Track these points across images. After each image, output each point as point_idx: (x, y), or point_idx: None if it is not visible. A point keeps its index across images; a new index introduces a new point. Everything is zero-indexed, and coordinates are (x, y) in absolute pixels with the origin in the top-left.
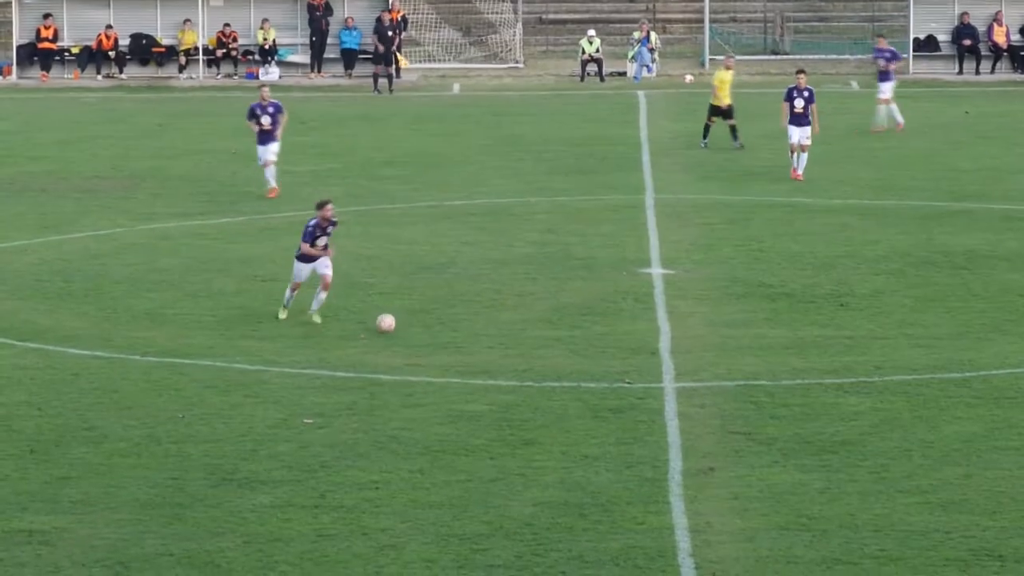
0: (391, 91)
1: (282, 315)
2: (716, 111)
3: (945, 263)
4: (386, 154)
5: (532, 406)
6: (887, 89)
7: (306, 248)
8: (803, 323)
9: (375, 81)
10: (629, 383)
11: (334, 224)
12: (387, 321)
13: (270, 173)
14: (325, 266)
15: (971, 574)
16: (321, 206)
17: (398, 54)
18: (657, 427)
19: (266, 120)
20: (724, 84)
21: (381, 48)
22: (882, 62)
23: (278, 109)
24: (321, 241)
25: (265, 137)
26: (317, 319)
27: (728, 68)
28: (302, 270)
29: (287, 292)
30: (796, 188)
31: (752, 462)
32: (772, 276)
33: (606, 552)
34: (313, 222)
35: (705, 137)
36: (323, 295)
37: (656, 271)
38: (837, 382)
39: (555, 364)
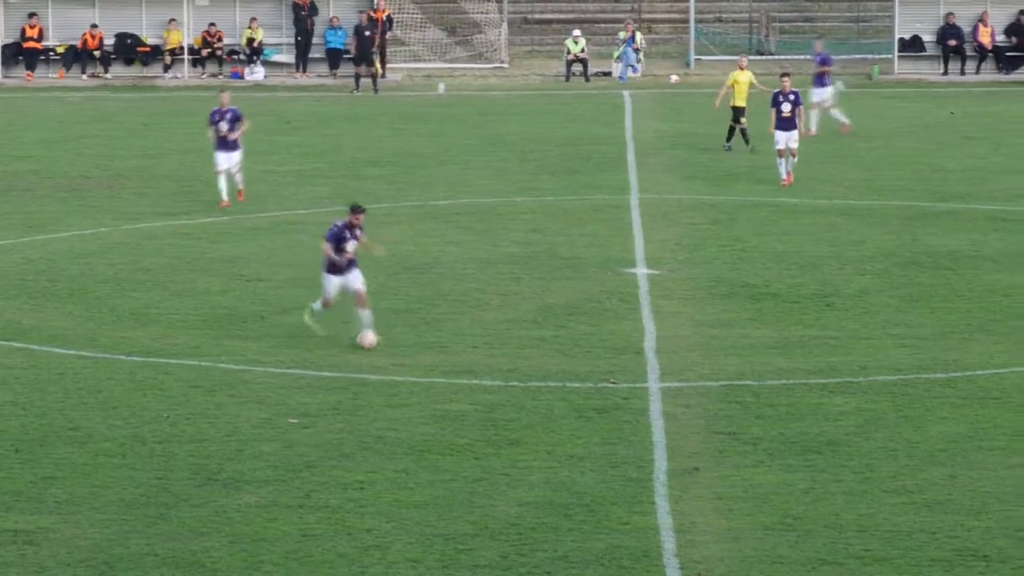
0: (376, 91)
1: (310, 322)
2: (740, 111)
3: (930, 263)
4: (371, 154)
5: (517, 406)
6: (828, 95)
7: (327, 249)
8: (788, 323)
9: (356, 81)
10: (614, 383)
11: (363, 230)
12: (369, 338)
13: (237, 179)
14: (357, 281)
15: (956, 574)
16: (355, 211)
17: (374, 57)
18: (642, 427)
19: (224, 127)
20: (740, 84)
21: (354, 49)
22: (815, 66)
23: (236, 116)
24: (350, 246)
25: (223, 144)
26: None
27: (742, 68)
28: (331, 283)
29: (317, 304)
30: (781, 188)
31: (737, 462)
32: (757, 276)
33: (591, 552)
34: (341, 223)
35: (747, 141)
36: (365, 313)
37: (641, 271)
38: (822, 382)
39: (540, 364)
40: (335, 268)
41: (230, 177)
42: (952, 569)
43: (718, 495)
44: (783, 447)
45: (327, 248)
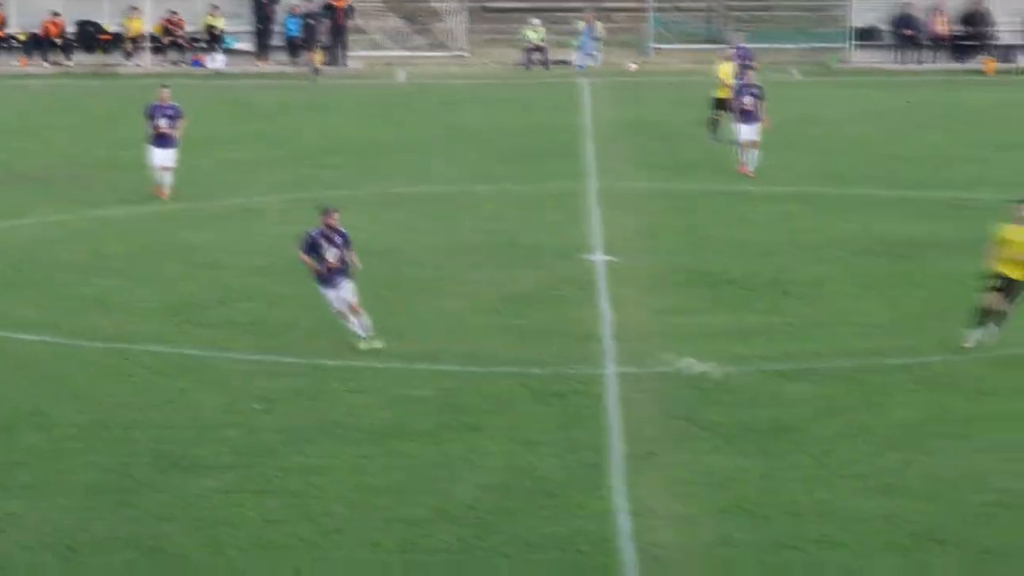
0: (313, 80)
1: (362, 345)
2: (722, 104)
3: (886, 251)
4: (331, 142)
5: (476, 392)
6: None
7: (303, 258)
8: (745, 310)
9: (310, 68)
10: (573, 370)
11: (342, 235)
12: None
13: (167, 177)
14: (349, 291)
15: (911, 559)
16: (324, 213)
17: (317, 46)
18: (600, 412)
19: (164, 122)
20: (728, 76)
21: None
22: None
23: (177, 113)
24: (331, 254)
25: (161, 140)
26: (378, 344)
27: (728, 59)
28: (327, 295)
29: (344, 323)
30: (738, 177)
31: (694, 447)
32: (715, 264)
33: (549, 536)
34: (315, 231)
35: (714, 133)
36: (363, 319)
37: (600, 258)
38: (779, 368)
39: (499, 350)
40: (324, 279)
41: (164, 172)
42: (908, 554)
43: (675, 480)
44: (740, 433)
45: (303, 257)
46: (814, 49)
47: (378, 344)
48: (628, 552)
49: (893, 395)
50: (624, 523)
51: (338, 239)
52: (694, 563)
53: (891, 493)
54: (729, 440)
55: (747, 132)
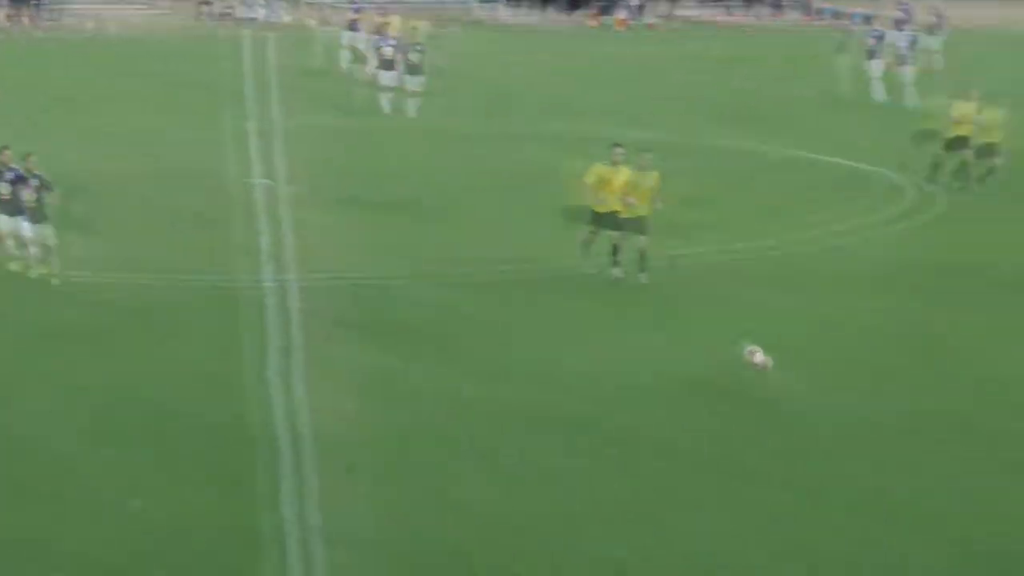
0: (28, 28)
1: (13, 266)
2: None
3: (520, 176)
4: (46, 89)
5: (173, 301)
6: (358, 40)
7: None
8: (396, 228)
9: (28, 21)
10: (255, 281)
11: (22, 177)
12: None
13: None
14: (33, 231)
15: (559, 440)
16: None
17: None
18: (273, 319)
19: None
20: (417, 31)
21: None
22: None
23: None
24: (26, 194)
25: None
26: (40, 270)
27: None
28: None
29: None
30: (401, 115)
31: (351, 347)
32: (373, 190)
33: (229, 426)
34: None
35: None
36: (34, 251)
37: (275, 184)
38: (435, 278)
39: (193, 264)
40: None
41: None
42: (529, 434)
43: (334, 376)
44: (390, 332)
45: None
46: (460, 5)
47: (46, 271)
48: (306, 440)
49: (535, 302)
50: (299, 416)
51: (9, 175)
52: (351, 446)
53: (508, 380)
54: (378, 338)
55: (411, 83)
